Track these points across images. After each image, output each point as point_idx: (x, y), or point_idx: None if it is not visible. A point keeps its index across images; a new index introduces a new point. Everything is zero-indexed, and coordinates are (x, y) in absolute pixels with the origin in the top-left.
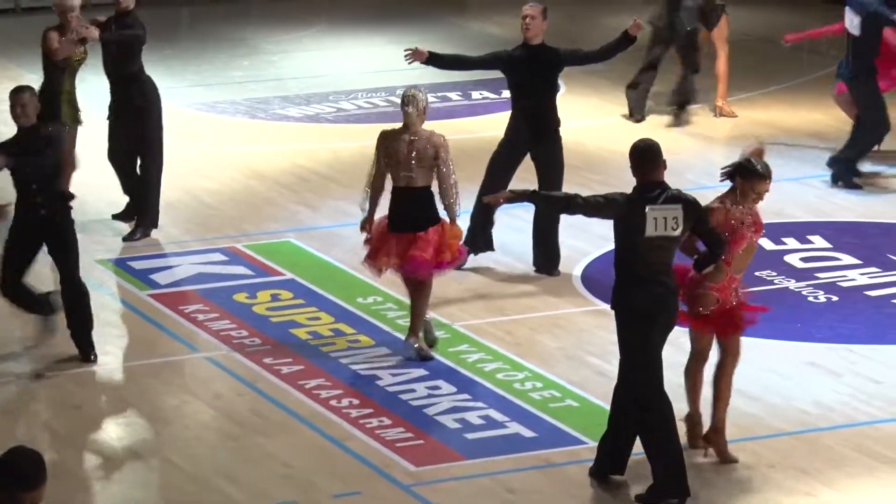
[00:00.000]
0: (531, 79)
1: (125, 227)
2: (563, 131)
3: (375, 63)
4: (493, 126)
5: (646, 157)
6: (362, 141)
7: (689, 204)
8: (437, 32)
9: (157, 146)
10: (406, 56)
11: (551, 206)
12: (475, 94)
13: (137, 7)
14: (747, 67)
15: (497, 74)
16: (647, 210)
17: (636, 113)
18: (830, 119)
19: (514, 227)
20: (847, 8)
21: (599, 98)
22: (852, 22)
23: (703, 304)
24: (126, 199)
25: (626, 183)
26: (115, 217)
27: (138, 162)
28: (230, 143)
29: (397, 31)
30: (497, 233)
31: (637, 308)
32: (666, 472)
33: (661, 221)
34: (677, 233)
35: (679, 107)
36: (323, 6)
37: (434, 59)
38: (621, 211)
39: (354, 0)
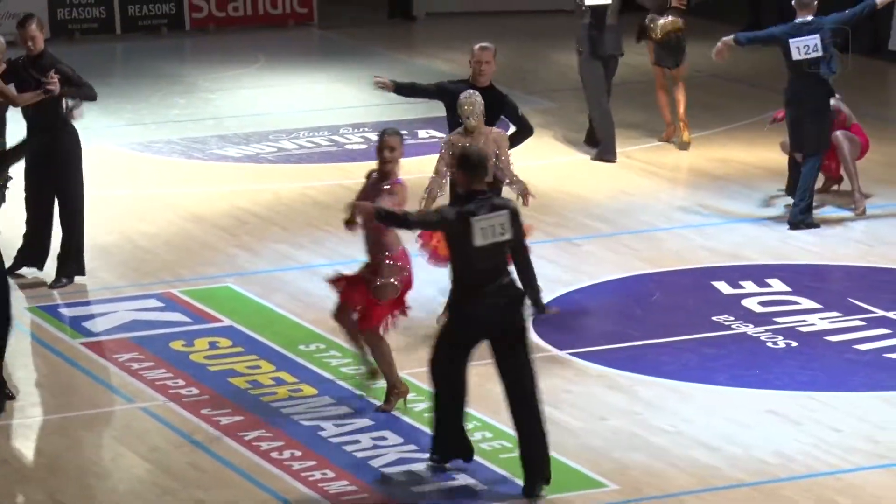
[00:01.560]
0: None
1: (51, 275)
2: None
3: (318, 101)
4: None
5: (478, 166)
6: (304, 182)
7: (513, 211)
8: (382, 69)
9: (81, 191)
10: (375, 84)
11: (390, 222)
12: (422, 133)
13: (70, 41)
14: (704, 105)
15: (444, 113)
16: (472, 222)
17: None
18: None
19: None
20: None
21: (552, 137)
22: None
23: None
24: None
25: (581, 226)
26: (16, 267)
27: (55, 209)
28: (166, 184)
29: (341, 67)
30: (446, 276)
31: (469, 316)
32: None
33: (488, 230)
34: (507, 237)
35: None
36: (263, 42)
37: (398, 88)
38: (454, 226)
39: (295, 36)
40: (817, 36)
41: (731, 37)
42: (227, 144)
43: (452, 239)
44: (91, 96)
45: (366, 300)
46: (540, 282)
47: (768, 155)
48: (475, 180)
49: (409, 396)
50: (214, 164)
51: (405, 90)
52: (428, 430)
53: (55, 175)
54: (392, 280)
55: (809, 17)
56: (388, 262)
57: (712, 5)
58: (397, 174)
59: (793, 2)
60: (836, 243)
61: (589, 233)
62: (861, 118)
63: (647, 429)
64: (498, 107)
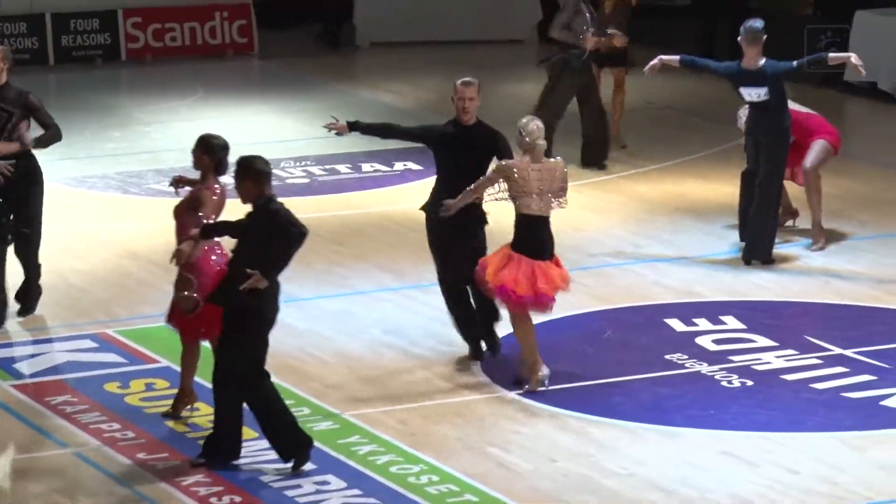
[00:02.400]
0: (465, 160)
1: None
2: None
3: (258, 134)
4: (385, 200)
5: (268, 173)
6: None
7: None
8: (325, 101)
9: (40, 224)
10: (327, 128)
11: (211, 235)
12: (366, 167)
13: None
14: (657, 138)
15: (389, 145)
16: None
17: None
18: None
19: (409, 308)
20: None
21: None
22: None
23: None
24: None
25: None
26: None
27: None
28: (101, 220)
29: (282, 99)
30: (390, 315)
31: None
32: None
33: None
34: None
35: None
36: (201, 72)
37: (358, 127)
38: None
39: (235, 66)
40: (765, 87)
41: (677, 57)
42: (164, 179)
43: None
44: (57, 138)
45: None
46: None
47: (722, 189)
48: (267, 186)
49: (352, 439)
50: (151, 199)
51: (371, 129)
52: (372, 474)
53: (17, 207)
54: (186, 293)
55: (761, 62)
56: (184, 274)
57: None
58: (209, 180)
59: (739, 38)
60: (792, 279)
61: None
62: None
63: (599, 471)
64: (490, 144)
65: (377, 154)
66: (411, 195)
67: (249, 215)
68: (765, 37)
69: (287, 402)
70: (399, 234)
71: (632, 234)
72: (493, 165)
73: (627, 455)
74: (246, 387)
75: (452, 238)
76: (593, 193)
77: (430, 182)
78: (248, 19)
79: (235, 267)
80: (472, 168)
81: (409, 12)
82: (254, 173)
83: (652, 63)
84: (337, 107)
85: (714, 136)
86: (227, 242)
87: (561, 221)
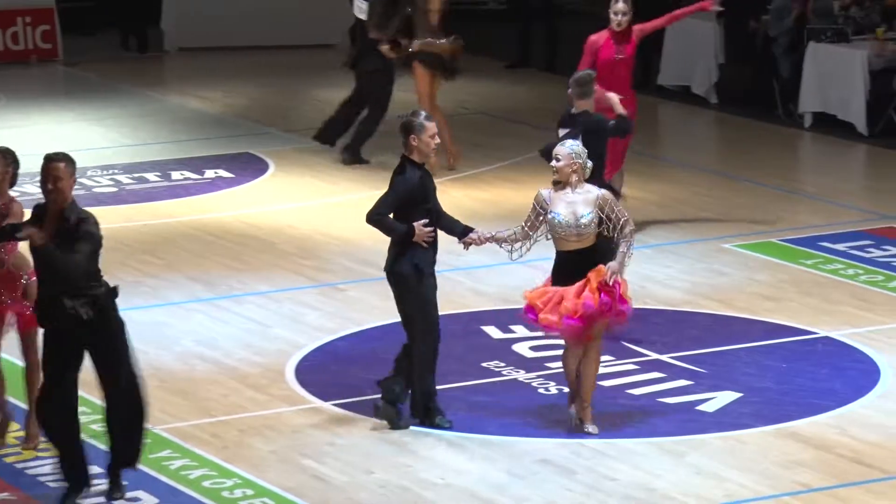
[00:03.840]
0: None
1: None
2: (274, 213)
3: (64, 142)
4: (196, 209)
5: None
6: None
7: None
8: (132, 107)
9: None
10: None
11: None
12: (175, 175)
13: None
14: (472, 144)
15: (199, 153)
16: None
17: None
18: None
19: (221, 319)
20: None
21: (313, 177)
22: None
23: None
24: None
25: (346, 270)
26: None
27: None
28: None
29: (88, 106)
30: (202, 326)
31: None
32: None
33: None
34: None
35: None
36: (4, 79)
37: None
38: None
39: (39, 73)
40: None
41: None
42: None
43: None
44: None
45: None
46: (301, 331)
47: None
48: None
49: (164, 454)
50: None
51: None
52: (185, 489)
53: None
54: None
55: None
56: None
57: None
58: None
59: (570, 89)
60: None
61: (354, 277)
62: (632, 156)
63: (416, 482)
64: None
65: (187, 162)
66: (222, 204)
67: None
68: (594, 88)
69: (96, 417)
70: (209, 244)
71: (448, 240)
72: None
73: (445, 465)
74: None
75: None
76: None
77: (241, 190)
78: (51, 24)
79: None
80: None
81: (218, 17)
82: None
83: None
84: (145, 113)
85: (528, 141)
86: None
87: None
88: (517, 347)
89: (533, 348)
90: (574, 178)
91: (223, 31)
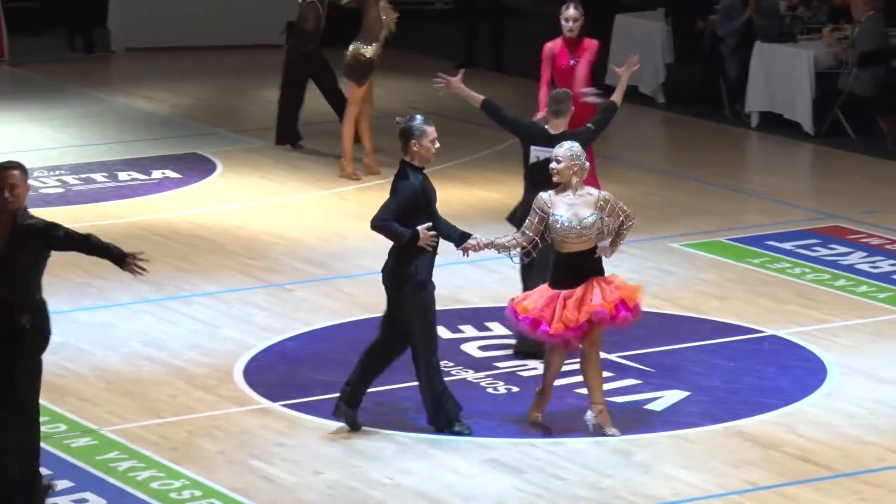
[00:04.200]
0: None
1: None
2: (222, 214)
3: (10, 143)
4: (143, 209)
5: None
6: None
7: None
8: (79, 107)
9: None
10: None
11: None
12: (122, 176)
13: None
14: None
15: (146, 153)
16: None
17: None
18: (506, 198)
19: (168, 320)
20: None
21: (261, 177)
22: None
23: None
24: None
25: (293, 270)
26: None
27: None
28: None
29: (34, 107)
30: (149, 327)
31: None
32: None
33: None
34: None
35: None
36: None
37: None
38: None
39: None
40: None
41: (481, 98)
42: None
43: None
44: None
45: None
46: (250, 331)
47: (485, 195)
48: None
49: (112, 455)
50: None
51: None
52: (133, 490)
53: None
54: None
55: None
56: None
57: (428, 39)
58: None
59: (546, 109)
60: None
61: (302, 277)
62: None
63: (365, 482)
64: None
65: (134, 162)
66: (170, 204)
67: None
68: (570, 111)
69: (42, 419)
70: (157, 245)
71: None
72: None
73: (393, 465)
74: None
75: None
76: (356, 199)
77: (189, 190)
78: None
79: None
80: None
81: (165, 17)
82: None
83: (448, 82)
84: (92, 114)
85: (477, 140)
86: None
87: (323, 228)
88: (466, 347)
89: (481, 348)
90: (575, 179)
91: (170, 31)
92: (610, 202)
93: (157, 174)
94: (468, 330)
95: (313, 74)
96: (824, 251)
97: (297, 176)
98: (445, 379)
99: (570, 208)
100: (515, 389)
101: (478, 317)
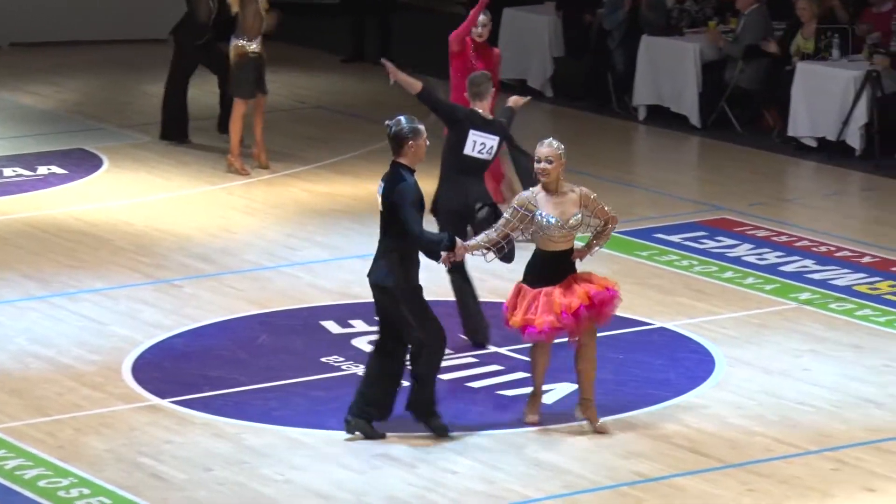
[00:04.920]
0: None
1: None
2: (109, 209)
3: None
4: (29, 206)
5: None
6: None
7: None
8: None
9: None
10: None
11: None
12: (7, 172)
13: None
14: (307, 138)
15: (31, 149)
16: None
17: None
18: None
19: (55, 317)
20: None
21: (147, 172)
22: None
23: None
24: None
25: (182, 266)
26: None
27: None
28: None
29: None
30: (36, 324)
31: None
32: None
33: None
34: None
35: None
36: None
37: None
38: None
39: None
40: (497, 138)
41: (420, 85)
42: None
43: None
44: None
45: None
46: (137, 328)
47: (375, 188)
48: None
49: (0, 453)
50: None
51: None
52: (20, 489)
53: None
54: None
55: (489, 116)
56: None
57: (316, 33)
58: None
59: (467, 92)
60: (446, 278)
61: (190, 273)
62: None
63: (255, 479)
64: None
65: (19, 158)
66: (56, 200)
67: None
68: (491, 92)
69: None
70: (44, 241)
71: (285, 235)
72: None
73: (284, 461)
74: None
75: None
76: (244, 195)
77: (75, 186)
78: None
79: None
80: None
81: (49, 12)
82: None
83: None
84: None
85: (365, 135)
86: None
87: (211, 223)
88: (356, 342)
89: (372, 343)
90: (560, 178)
91: (55, 25)
92: (592, 198)
93: (42, 170)
94: (358, 325)
95: (209, 66)
96: (711, 243)
97: (184, 171)
98: (336, 374)
99: (556, 207)
100: (405, 384)
101: (368, 311)
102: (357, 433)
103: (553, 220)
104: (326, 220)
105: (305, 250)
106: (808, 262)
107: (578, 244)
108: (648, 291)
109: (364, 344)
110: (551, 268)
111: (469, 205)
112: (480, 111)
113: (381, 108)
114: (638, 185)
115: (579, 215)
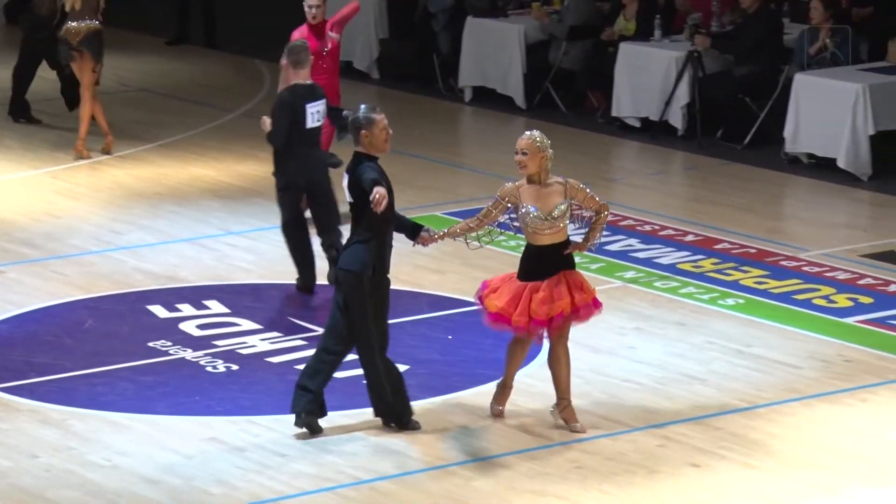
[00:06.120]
0: None
1: None
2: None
3: None
4: None
5: None
6: None
7: None
8: None
9: None
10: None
11: None
12: None
13: None
14: (132, 121)
15: None
16: None
17: None
18: (222, 175)
19: None
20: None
21: None
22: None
23: None
24: None
25: (4, 252)
26: None
27: None
28: None
29: None
30: None
31: None
32: None
33: None
34: None
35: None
36: None
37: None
38: None
39: None
40: (324, 101)
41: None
42: None
43: None
44: None
45: None
46: None
47: (201, 172)
48: None
49: None
50: None
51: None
52: None
53: None
54: None
55: (309, 82)
56: None
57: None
58: None
59: (286, 60)
60: (274, 261)
61: (13, 259)
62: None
63: (82, 464)
64: None
65: None
66: None
67: None
68: (309, 61)
69: None
70: None
71: (110, 219)
72: None
73: (111, 446)
74: None
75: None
76: (68, 179)
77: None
78: None
79: None
80: None
81: None
82: None
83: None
84: None
85: (192, 117)
86: None
87: (34, 208)
88: (184, 326)
89: (200, 327)
90: (544, 170)
91: None
92: (577, 188)
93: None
94: (186, 308)
95: (48, 60)
96: None
97: (7, 156)
98: (163, 359)
99: (539, 199)
100: (235, 367)
101: (196, 295)
102: (305, 429)
103: (536, 213)
104: (152, 203)
105: (131, 234)
106: (633, 241)
107: (577, 241)
108: (476, 272)
109: (192, 328)
110: (542, 262)
111: (313, 179)
112: (302, 81)
113: (205, 91)
114: (464, 166)
115: (563, 206)
